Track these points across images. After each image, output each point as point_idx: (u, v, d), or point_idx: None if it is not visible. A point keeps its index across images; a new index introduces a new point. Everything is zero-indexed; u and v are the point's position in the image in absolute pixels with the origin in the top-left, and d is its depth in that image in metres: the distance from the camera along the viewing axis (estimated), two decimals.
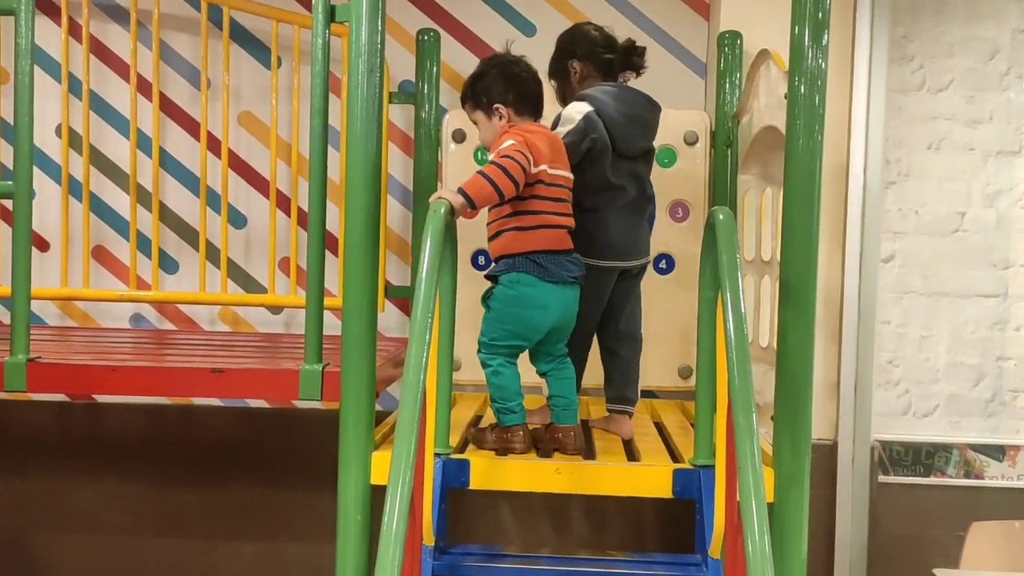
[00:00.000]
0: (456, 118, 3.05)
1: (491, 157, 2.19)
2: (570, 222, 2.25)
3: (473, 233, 3.01)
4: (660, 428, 2.71)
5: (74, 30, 3.28)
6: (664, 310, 3.01)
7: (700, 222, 2.96)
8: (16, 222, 2.26)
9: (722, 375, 1.88)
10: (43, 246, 3.44)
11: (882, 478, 3.12)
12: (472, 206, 2.09)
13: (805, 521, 1.96)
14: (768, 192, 2.72)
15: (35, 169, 3.35)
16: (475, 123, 2.37)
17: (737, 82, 3.01)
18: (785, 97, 2.04)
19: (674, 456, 2.32)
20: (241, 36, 3.35)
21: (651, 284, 3.00)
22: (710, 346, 2.02)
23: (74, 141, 3.29)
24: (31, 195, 2.27)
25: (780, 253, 2.04)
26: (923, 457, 3.14)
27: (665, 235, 3.03)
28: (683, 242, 3.02)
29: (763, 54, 2.54)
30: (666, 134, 3.00)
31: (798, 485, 1.97)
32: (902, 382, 3.20)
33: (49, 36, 3.34)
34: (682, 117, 3.05)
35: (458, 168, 3.04)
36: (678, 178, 3.04)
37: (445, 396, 2.15)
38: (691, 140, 3.04)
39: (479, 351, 2.23)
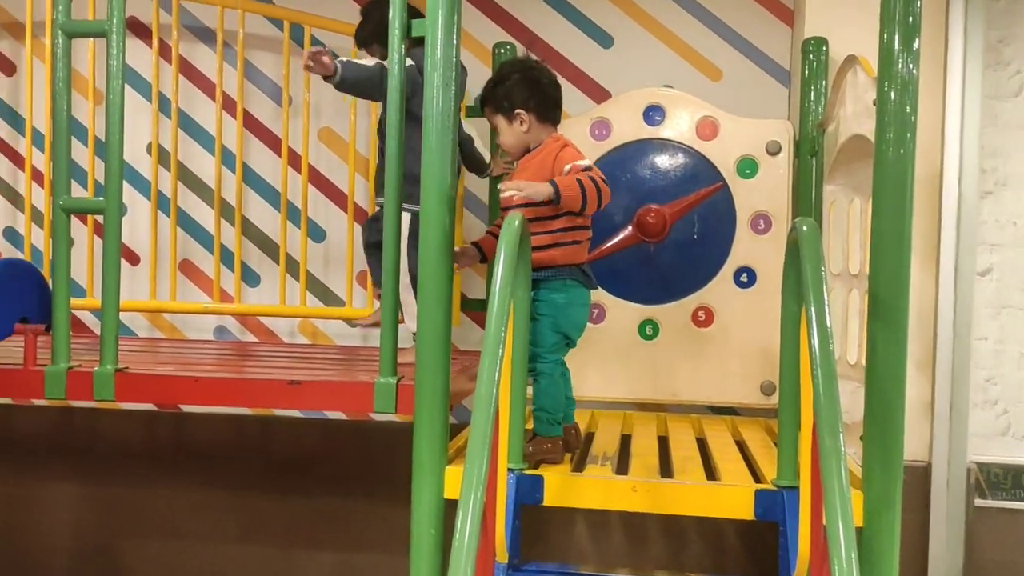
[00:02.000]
0: None
1: (566, 169, 2.20)
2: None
3: None
4: (741, 446, 2.63)
5: (164, 51, 3.39)
6: (745, 324, 2.94)
7: (782, 234, 2.88)
8: (107, 237, 2.33)
9: (807, 393, 1.81)
10: (134, 260, 3.55)
11: (979, 502, 2.96)
12: (556, 202, 2.15)
13: (896, 547, 1.86)
14: (856, 203, 2.62)
15: (128, 186, 3.51)
16: (494, 127, 2.38)
17: (823, 90, 2.92)
18: (874, 104, 1.96)
19: (756, 476, 2.24)
20: None
21: (731, 298, 2.94)
22: (794, 362, 1.95)
23: (163, 158, 3.39)
24: (120, 211, 2.33)
25: (869, 266, 1.96)
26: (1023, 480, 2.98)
27: (746, 247, 2.95)
28: (765, 255, 2.94)
29: (850, 60, 2.45)
30: (747, 144, 2.95)
31: (889, 509, 1.87)
32: (1000, 401, 3.04)
33: (141, 57, 3.46)
34: (764, 127, 2.97)
35: None
36: (760, 189, 2.96)
37: (519, 410, 2.12)
38: (774, 150, 2.96)
39: (534, 361, 2.23)
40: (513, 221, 1.91)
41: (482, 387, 1.69)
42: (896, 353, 1.85)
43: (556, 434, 2.25)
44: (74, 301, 3.37)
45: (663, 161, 3.00)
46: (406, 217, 2.62)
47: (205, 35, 3.48)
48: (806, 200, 2.94)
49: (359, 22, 2.82)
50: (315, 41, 3.31)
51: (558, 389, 2.26)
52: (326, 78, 2.47)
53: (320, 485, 3.37)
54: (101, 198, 2.33)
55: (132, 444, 3.49)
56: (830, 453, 1.49)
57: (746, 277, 2.98)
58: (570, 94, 3.32)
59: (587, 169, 2.19)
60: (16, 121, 3.56)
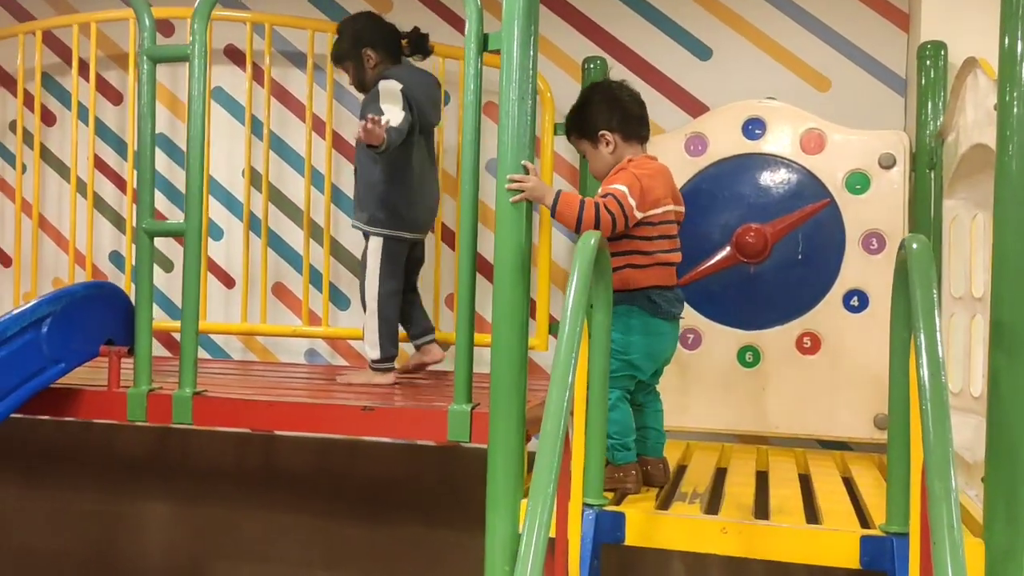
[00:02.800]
0: None
1: (600, 190, 2.11)
2: (678, 257, 2.21)
3: None
4: (849, 484, 2.41)
5: (258, 75, 3.42)
6: (856, 351, 2.71)
7: None
8: (186, 260, 2.32)
9: (916, 429, 1.61)
10: (229, 283, 3.59)
11: None
12: (551, 213, 2.07)
13: None
14: (979, 219, 2.37)
15: (224, 209, 3.57)
16: (583, 154, 2.30)
17: (941, 97, 2.68)
18: (995, 108, 1.75)
19: (864, 520, 2.03)
20: None
21: (841, 323, 2.72)
22: (903, 395, 1.75)
23: (256, 180, 3.42)
24: (201, 233, 2.32)
25: (991, 288, 1.74)
26: None
27: (857, 269, 2.73)
28: (878, 276, 2.71)
29: (969, 62, 2.23)
30: (858, 157, 2.74)
31: (1014, 561, 1.65)
32: None
33: (236, 82, 3.51)
34: (876, 138, 2.76)
35: None
36: (872, 205, 2.74)
37: (599, 442, 1.99)
38: (887, 163, 2.73)
39: None
40: (589, 239, 1.79)
41: (549, 417, 1.56)
42: (1021, 385, 1.63)
43: (627, 460, 2.13)
44: (169, 323, 3.44)
45: (764, 177, 2.82)
46: (376, 242, 2.64)
47: (296, 58, 3.51)
48: (924, 217, 2.70)
49: (335, 39, 2.81)
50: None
51: (622, 415, 2.13)
52: (372, 146, 2.43)
53: (405, 511, 3.30)
54: (182, 221, 2.33)
55: (224, 465, 3.51)
56: (939, 498, 1.30)
57: (857, 301, 2.75)
58: (665, 109, 3.20)
59: (607, 196, 2.05)
60: (122, 148, 3.66)
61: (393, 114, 2.50)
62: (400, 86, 2.56)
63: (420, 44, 2.73)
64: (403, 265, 2.71)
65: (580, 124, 2.23)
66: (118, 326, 2.41)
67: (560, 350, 1.62)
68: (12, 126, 3.73)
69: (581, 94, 2.33)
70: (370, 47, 2.68)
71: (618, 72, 3.16)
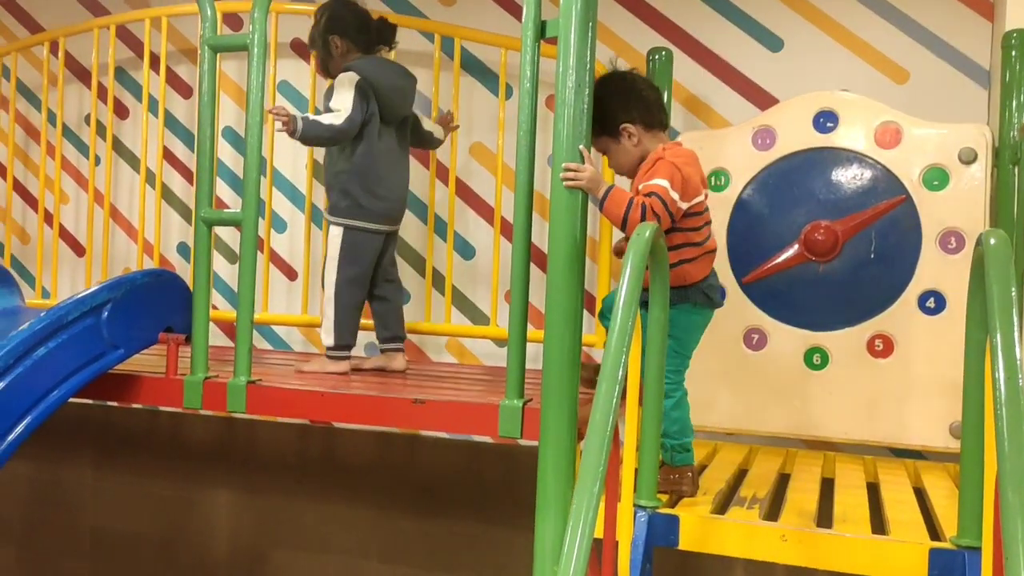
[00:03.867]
0: (687, 142, 2.79)
1: (641, 186, 2.02)
2: (715, 243, 2.19)
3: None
4: (921, 495, 2.29)
5: None
6: (932, 356, 2.58)
7: None
8: (243, 250, 2.33)
9: (991, 437, 1.50)
10: (292, 275, 3.62)
11: None
12: (599, 207, 2.01)
13: None
14: None
15: (287, 201, 3.59)
16: (602, 152, 2.20)
17: None
18: None
19: (934, 532, 1.92)
20: (474, 67, 3.34)
21: (915, 325, 2.59)
22: (978, 401, 1.64)
23: (319, 172, 3.43)
24: (256, 223, 2.33)
25: None
26: None
27: (934, 268, 2.60)
28: (956, 277, 2.57)
29: None
30: (936, 152, 2.61)
31: None
32: None
33: (300, 75, 3.54)
34: (956, 132, 2.62)
35: None
36: (951, 202, 2.60)
37: (653, 441, 1.92)
38: (967, 158, 2.59)
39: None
40: (644, 231, 1.72)
41: (597, 413, 1.51)
42: None
43: (687, 462, 2.07)
44: (233, 313, 3.48)
45: (835, 172, 2.70)
46: (337, 231, 2.63)
47: None
48: (1007, 214, 2.55)
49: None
50: (465, 53, 3.26)
51: (686, 412, 2.10)
52: (289, 133, 2.48)
53: (462, 507, 3.27)
54: (238, 211, 2.34)
55: (286, 455, 3.54)
56: (1014, 511, 1.21)
57: (933, 302, 2.62)
58: (734, 102, 3.10)
59: (651, 195, 1.98)
60: (191, 141, 3.72)
61: (342, 104, 2.52)
62: (358, 77, 2.53)
63: (384, 35, 2.71)
64: (369, 256, 2.67)
65: (599, 121, 2.06)
66: (177, 314, 2.43)
67: (611, 344, 1.57)
68: (87, 119, 3.82)
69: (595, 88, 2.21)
70: (338, 35, 2.67)
71: (684, 64, 3.08)
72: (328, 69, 2.73)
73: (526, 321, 2.08)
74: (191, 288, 2.40)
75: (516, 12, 3.32)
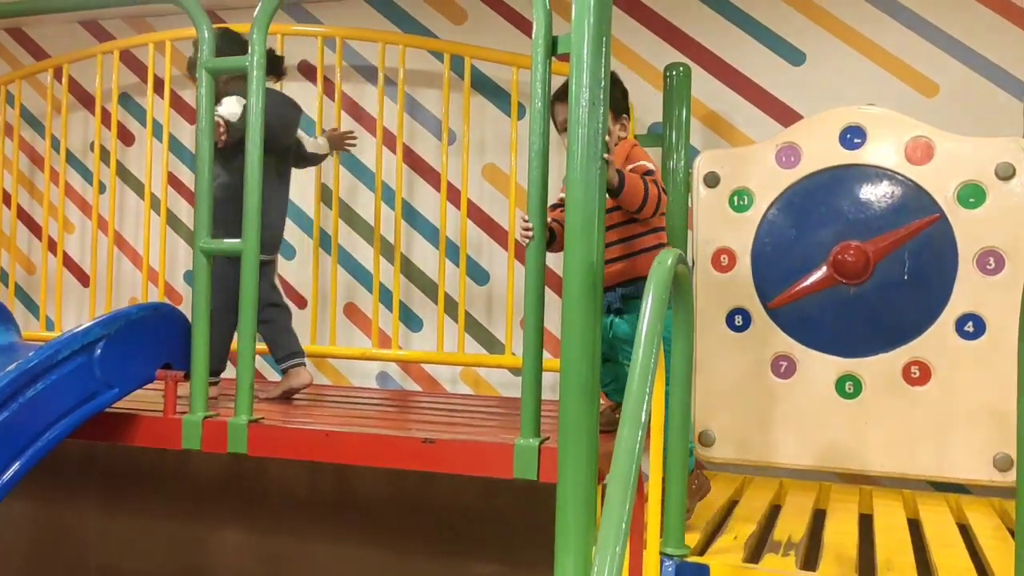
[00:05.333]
0: (708, 160, 2.70)
1: (632, 166, 2.07)
2: None
3: (727, 289, 2.64)
4: (966, 533, 2.14)
5: (329, 90, 3.35)
6: (972, 383, 2.43)
7: (1019, 275, 2.37)
8: (244, 282, 2.22)
9: None
10: (300, 303, 3.51)
11: None
12: (615, 195, 1.98)
13: None
14: None
15: (294, 226, 3.49)
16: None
17: None
18: None
19: (985, 574, 1.77)
20: (484, 86, 3.24)
21: (953, 350, 2.45)
22: None
23: (326, 196, 3.34)
24: (257, 253, 2.22)
25: None
26: None
27: (972, 290, 2.45)
28: (996, 300, 2.43)
29: None
30: (971, 168, 2.48)
31: None
32: None
33: (307, 97, 3.45)
34: (992, 147, 2.48)
35: (712, 215, 2.68)
36: (988, 220, 2.46)
37: (679, 483, 1.79)
38: (1005, 174, 2.45)
39: None
40: (666, 259, 1.60)
41: (620, 458, 1.38)
42: None
43: (693, 466, 2.09)
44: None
45: (864, 190, 2.57)
46: (216, 260, 2.51)
47: (368, 73, 3.42)
48: None
49: None
50: (476, 72, 3.16)
51: None
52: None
53: (480, 548, 3.13)
54: (238, 240, 2.24)
55: (297, 490, 3.41)
56: None
57: (972, 326, 2.47)
58: (755, 119, 2.99)
59: (649, 173, 2.06)
60: None
61: (229, 110, 2.50)
62: (244, 101, 2.43)
63: (273, 66, 2.66)
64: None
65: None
66: (176, 350, 2.33)
67: (633, 382, 1.44)
68: (92, 146, 3.75)
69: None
70: None
71: (703, 79, 2.96)
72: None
73: (541, 354, 1.95)
74: (191, 321, 2.29)
75: (527, 29, 3.23)
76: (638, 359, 1.47)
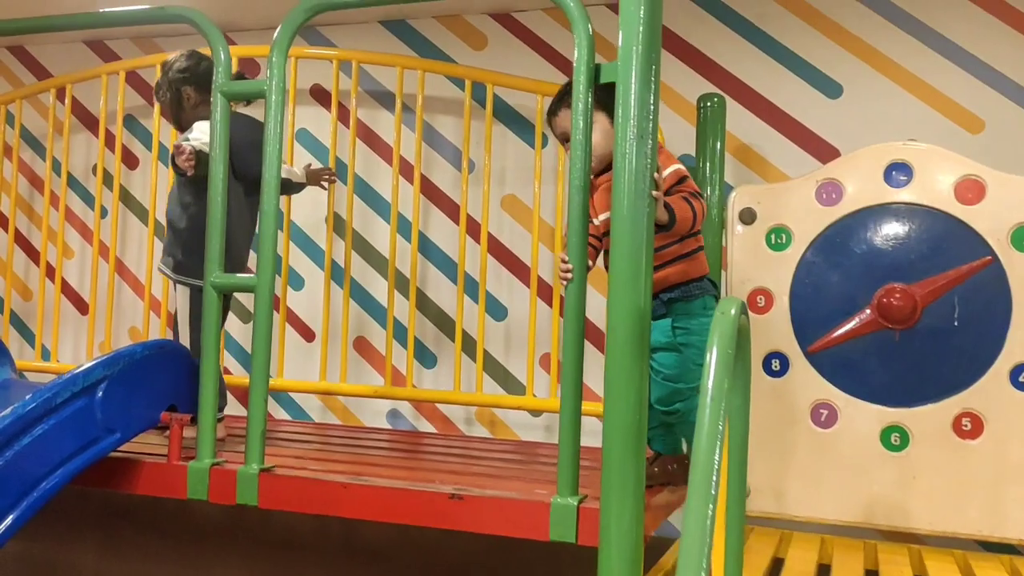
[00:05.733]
0: (744, 196, 2.57)
1: (666, 173, 1.92)
2: None
3: (764, 331, 2.51)
4: None
5: (343, 116, 3.22)
6: None
7: None
8: (256, 320, 2.07)
9: None
10: (309, 336, 3.37)
11: None
12: (665, 229, 1.86)
13: None
14: None
15: (305, 257, 3.35)
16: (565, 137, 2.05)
17: None
18: None
19: None
20: (506, 115, 3.12)
21: (1008, 402, 2.32)
22: None
23: (339, 227, 3.20)
24: (272, 290, 2.08)
25: None
26: None
27: None
28: None
29: None
30: None
31: None
32: None
33: (320, 123, 3.33)
34: None
35: (747, 253, 2.55)
36: None
37: (736, 546, 1.64)
38: None
39: (675, 403, 2.02)
40: (729, 308, 1.46)
41: (690, 538, 1.23)
42: None
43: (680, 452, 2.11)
44: (245, 378, 3.22)
45: (910, 230, 2.44)
46: (184, 291, 2.45)
47: (384, 98, 3.30)
48: None
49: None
50: (497, 101, 3.04)
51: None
52: (181, 173, 2.34)
53: None
54: (252, 275, 2.09)
55: (304, 537, 3.24)
56: None
57: None
58: (791, 152, 2.87)
59: (683, 181, 1.95)
60: None
61: (201, 138, 2.36)
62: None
63: None
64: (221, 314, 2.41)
65: (607, 94, 1.76)
66: (182, 391, 2.18)
67: (699, 450, 1.29)
68: (94, 169, 3.62)
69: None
70: (191, 86, 2.51)
71: (734, 111, 2.83)
72: (178, 121, 2.56)
73: (579, 406, 1.81)
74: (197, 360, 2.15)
75: (550, 56, 3.12)
76: (704, 422, 1.32)
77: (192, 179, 2.38)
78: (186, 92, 2.53)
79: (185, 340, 2.45)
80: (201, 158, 2.30)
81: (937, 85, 2.75)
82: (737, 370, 1.59)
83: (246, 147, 2.40)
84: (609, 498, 1.65)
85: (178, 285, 2.50)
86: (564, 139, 2.05)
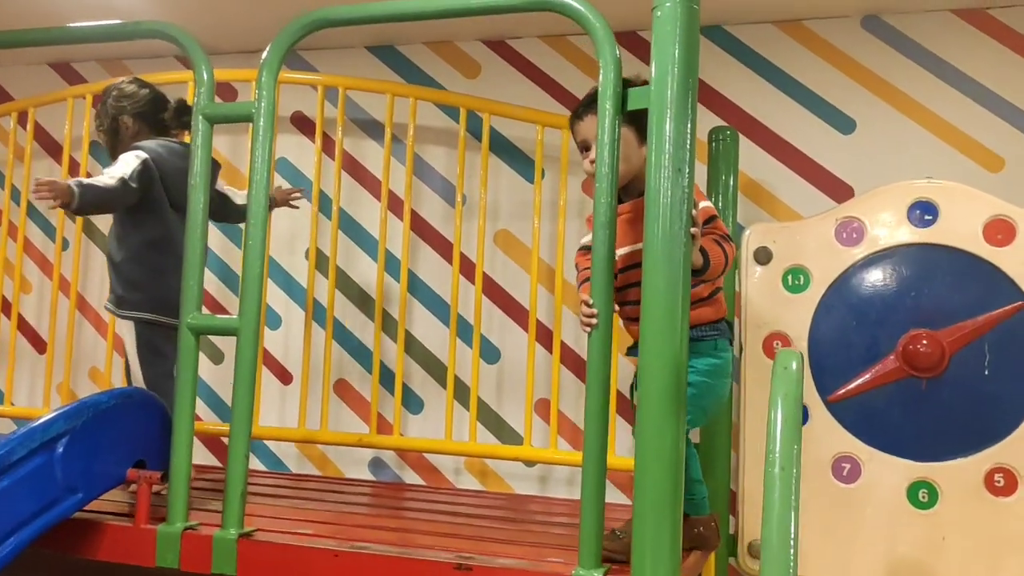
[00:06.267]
0: (759, 234, 2.43)
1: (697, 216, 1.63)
2: None
3: None
4: None
5: (328, 147, 3.04)
6: None
7: None
8: (238, 366, 1.87)
9: None
10: (286, 378, 3.15)
11: None
12: (698, 274, 1.66)
13: None
14: None
15: (283, 295, 3.14)
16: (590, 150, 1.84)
17: None
18: None
19: None
20: (498, 145, 2.96)
21: None
22: None
23: (322, 263, 3.01)
24: (257, 333, 1.88)
25: None
26: None
27: None
28: None
29: None
30: None
31: None
32: None
33: (303, 153, 3.15)
34: None
35: (763, 295, 2.41)
36: None
37: None
38: None
39: None
40: (790, 362, 1.29)
41: None
42: None
43: (707, 512, 1.91)
44: (216, 426, 3.00)
45: (937, 272, 2.30)
46: (128, 326, 2.32)
47: (371, 128, 3.12)
48: None
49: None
50: (493, 132, 2.88)
51: (696, 471, 1.87)
52: (63, 206, 2.13)
53: None
54: (234, 316, 1.89)
55: None
56: None
57: None
58: (802, 190, 2.74)
59: (713, 220, 1.79)
60: None
61: (120, 170, 2.23)
62: (145, 155, 2.26)
63: (183, 118, 2.41)
64: (169, 347, 2.27)
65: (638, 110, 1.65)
66: (151, 445, 1.97)
67: (772, 532, 1.12)
68: None
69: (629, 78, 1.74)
70: (130, 115, 2.39)
71: (745, 147, 2.69)
72: (114, 151, 2.42)
73: (604, 471, 1.61)
74: (170, 411, 1.94)
75: (546, 85, 2.99)
76: (776, 492, 1.15)
77: (128, 211, 2.27)
78: (124, 121, 2.39)
79: (138, 381, 2.29)
80: (125, 184, 2.18)
81: (955, 121, 2.65)
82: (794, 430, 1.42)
83: (179, 176, 2.24)
84: (643, 571, 1.47)
85: (122, 321, 2.33)
86: (584, 147, 1.85)
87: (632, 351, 1.80)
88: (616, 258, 1.83)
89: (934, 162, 2.63)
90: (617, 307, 1.82)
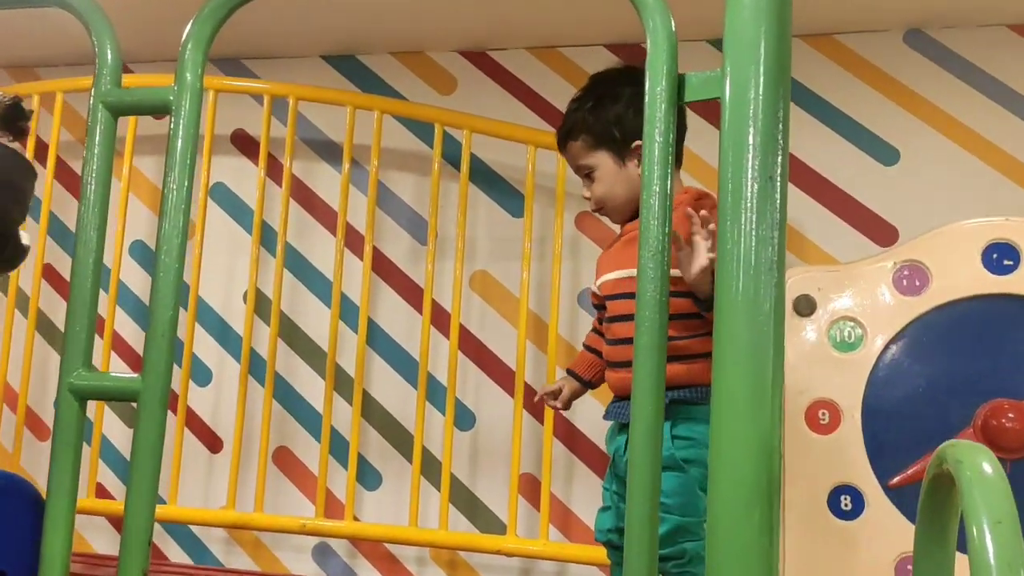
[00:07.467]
0: (801, 281, 2.01)
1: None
2: None
3: (830, 458, 1.93)
4: None
5: (274, 170, 2.58)
6: None
7: None
8: (137, 440, 1.36)
9: None
10: (216, 446, 2.65)
11: None
12: (706, 308, 1.48)
13: None
14: None
15: (214, 343, 2.66)
16: (586, 169, 1.63)
17: None
18: None
19: None
20: (481, 173, 2.53)
21: None
22: None
23: (262, 308, 2.53)
24: (165, 398, 1.38)
25: None
26: None
27: None
28: None
29: None
30: None
31: None
32: None
33: (243, 178, 2.68)
34: None
35: (805, 354, 1.99)
36: None
37: None
38: None
39: (682, 541, 1.53)
40: (980, 461, 0.85)
41: None
42: None
43: None
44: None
45: (1022, 329, 1.92)
46: None
47: (327, 149, 2.68)
48: None
49: None
50: (472, 157, 2.45)
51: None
52: None
53: None
54: (135, 376, 1.39)
55: None
56: None
57: None
58: (836, 229, 2.36)
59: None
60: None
61: None
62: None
63: (13, 118, 1.98)
64: None
65: (601, 126, 1.56)
66: (21, 546, 1.45)
67: None
68: None
69: (600, 80, 1.65)
70: None
71: None
72: None
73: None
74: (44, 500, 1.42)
75: (532, 103, 2.59)
76: None
77: None
78: None
79: None
80: None
81: (1014, 152, 2.29)
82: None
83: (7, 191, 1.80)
84: None
85: None
86: (583, 172, 1.65)
87: (617, 411, 1.61)
88: (598, 286, 1.66)
89: (993, 197, 2.27)
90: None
